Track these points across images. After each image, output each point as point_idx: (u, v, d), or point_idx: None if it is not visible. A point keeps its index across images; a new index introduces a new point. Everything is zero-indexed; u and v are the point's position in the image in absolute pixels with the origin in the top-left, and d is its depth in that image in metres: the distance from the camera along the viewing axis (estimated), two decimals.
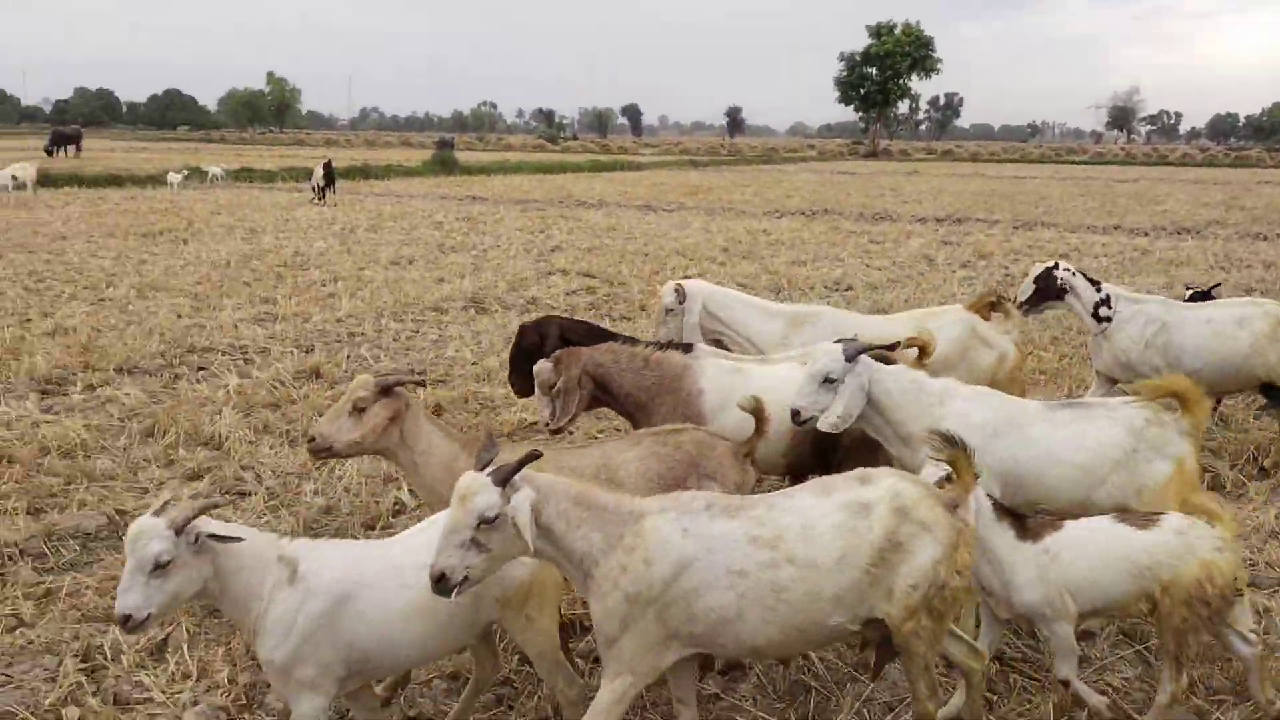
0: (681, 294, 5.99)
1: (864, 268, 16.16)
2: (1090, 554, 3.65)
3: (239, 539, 3.11)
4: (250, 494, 6.12)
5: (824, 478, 3.54)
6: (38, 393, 8.12)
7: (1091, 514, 3.94)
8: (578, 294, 13.52)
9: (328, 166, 27.22)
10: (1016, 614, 3.69)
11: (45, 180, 29.02)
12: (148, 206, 23.96)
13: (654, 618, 3.10)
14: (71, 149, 46.35)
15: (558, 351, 4.91)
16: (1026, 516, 3.79)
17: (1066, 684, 3.71)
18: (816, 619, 3.18)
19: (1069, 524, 3.77)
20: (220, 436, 7.05)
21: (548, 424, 4.86)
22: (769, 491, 3.58)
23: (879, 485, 3.29)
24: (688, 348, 5.01)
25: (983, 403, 4.38)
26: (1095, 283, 6.67)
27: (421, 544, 3.22)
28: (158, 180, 31.10)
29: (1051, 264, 6.74)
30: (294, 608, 3.12)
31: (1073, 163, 67.75)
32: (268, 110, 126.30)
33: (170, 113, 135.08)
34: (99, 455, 6.73)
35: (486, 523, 2.95)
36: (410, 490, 5.72)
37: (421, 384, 5.18)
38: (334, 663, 3.16)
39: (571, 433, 6.60)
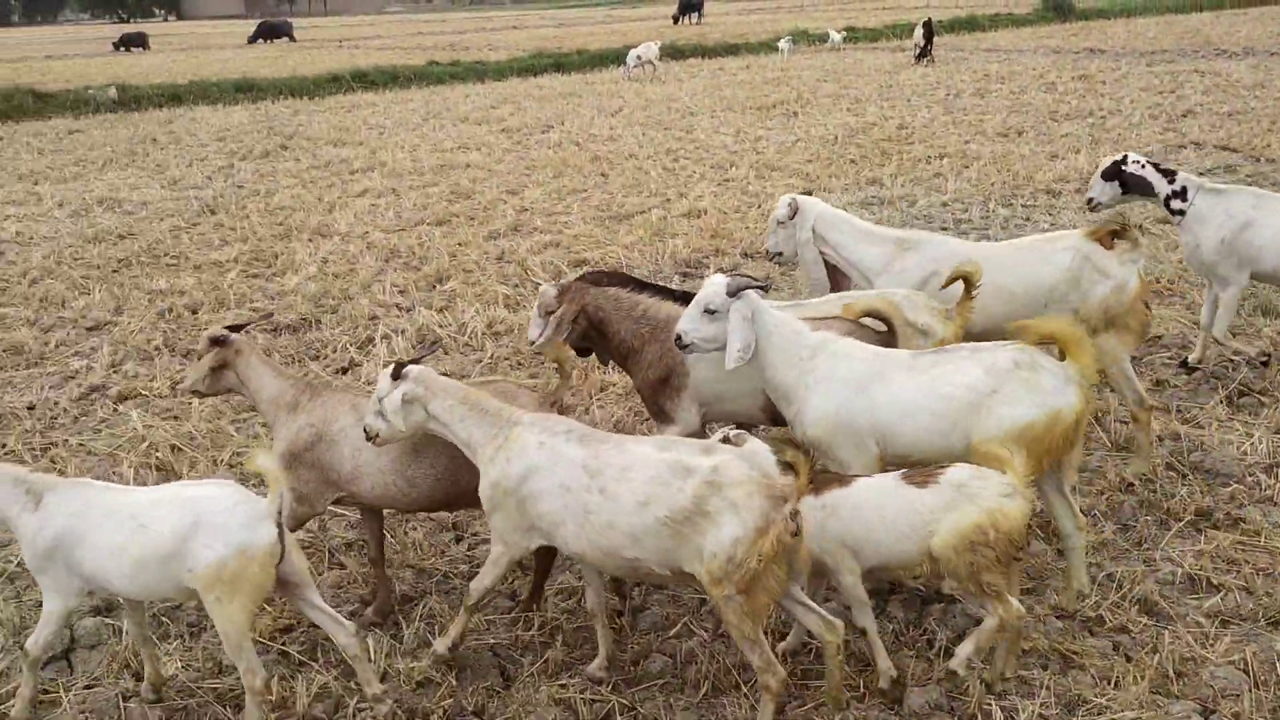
0: (794, 208, 5.72)
1: None
2: (867, 513, 3.73)
3: None
4: None
5: (681, 439, 3.88)
6: (680, 275, 9.27)
7: (957, 461, 3.86)
8: (1215, 173, 11.98)
9: (928, 25, 26.53)
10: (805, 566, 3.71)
11: (673, 52, 31.97)
12: (761, 77, 25.43)
13: (514, 507, 3.83)
14: (695, 16, 50.31)
15: (567, 284, 5.09)
16: (817, 473, 3.79)
17: (864, 632, 3.85)
18: (615, 547, 3.64)
19: (858, 482, 3.83)
20: None
21: (533, 342, 5.08)
22: None
23: (713, 458, 3.54)
24: (685, 297, 4.71)
25: (851, 357, 4.23)
26: (1169, 173, 6.36)
27: (153, 500, 3.77)
28: (770, 48, 32.71)
29: (1120, 157, 6.49)
30: (34, 531, 3.75)
31: None
32: None
33: None
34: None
35: (379, 400, 3.99)
36: None
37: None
38: (73, 578, 3.79)
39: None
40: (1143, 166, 6.36)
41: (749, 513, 3.44)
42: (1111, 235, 5.24)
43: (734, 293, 4.20)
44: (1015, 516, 3.57)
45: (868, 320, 4.73)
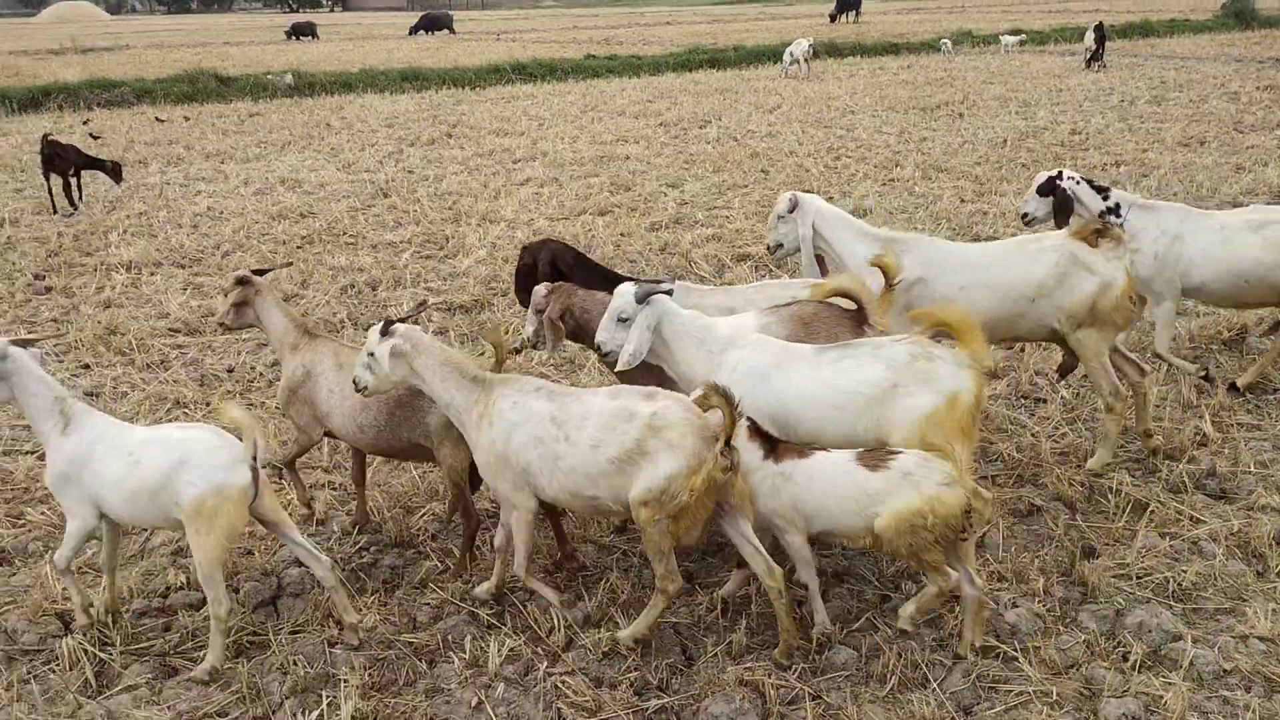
0: (794, 204, 5.84)
1: None
2: (819, 485, 3.97)
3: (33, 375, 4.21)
4: None
5: (629, 387, 4.18)
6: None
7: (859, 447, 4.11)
8: None
9: (1099, 29, 25.51)
10: (759, 522, 4.06)
11: (830, 50, 31.65)
12: (923, 77, 24.93)
13: (505, 465, 4.16)
14: (852, 14, 49.58)
15: (555, 285, 5.23)
16: (780, 441, 4.10)
17: (805, 588, 4.21)
18: (578, 488, 4.06)
19: (816, 455, 4.04)
20: None
21: (528, 339, 5.22)
22: None
23: (654, 404, 3.97)
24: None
25: (758, 350, 4.43)
26: (1103, 190, 6.36)
27: (148, 439, 4.16)
28: (931, 47, 32.02)
29: (1055, 172, 6.51)
30: (58, 451, 4.17)
31: None
32: None
33: None
34: None
35: (370, 355, 4.33)
36: None
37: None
38: (83, 500, 4.19)
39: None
40: (1078, 183, 6.40)
41: (683, 452, 3.87)
42: (1095, 234, 5.41)
43: (641, 299, 4.51)
44: (952, 503, 3.83)
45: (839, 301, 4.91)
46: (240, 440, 4.11)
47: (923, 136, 16.20)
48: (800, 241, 5.83)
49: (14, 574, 4.96)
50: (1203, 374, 6.65)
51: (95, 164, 13.07)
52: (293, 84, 25.67)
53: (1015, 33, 33.51)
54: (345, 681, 4.01)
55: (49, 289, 9.60)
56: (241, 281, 5.22)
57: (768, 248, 6.04)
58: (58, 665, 4.22)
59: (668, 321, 4.54)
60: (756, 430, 4.06)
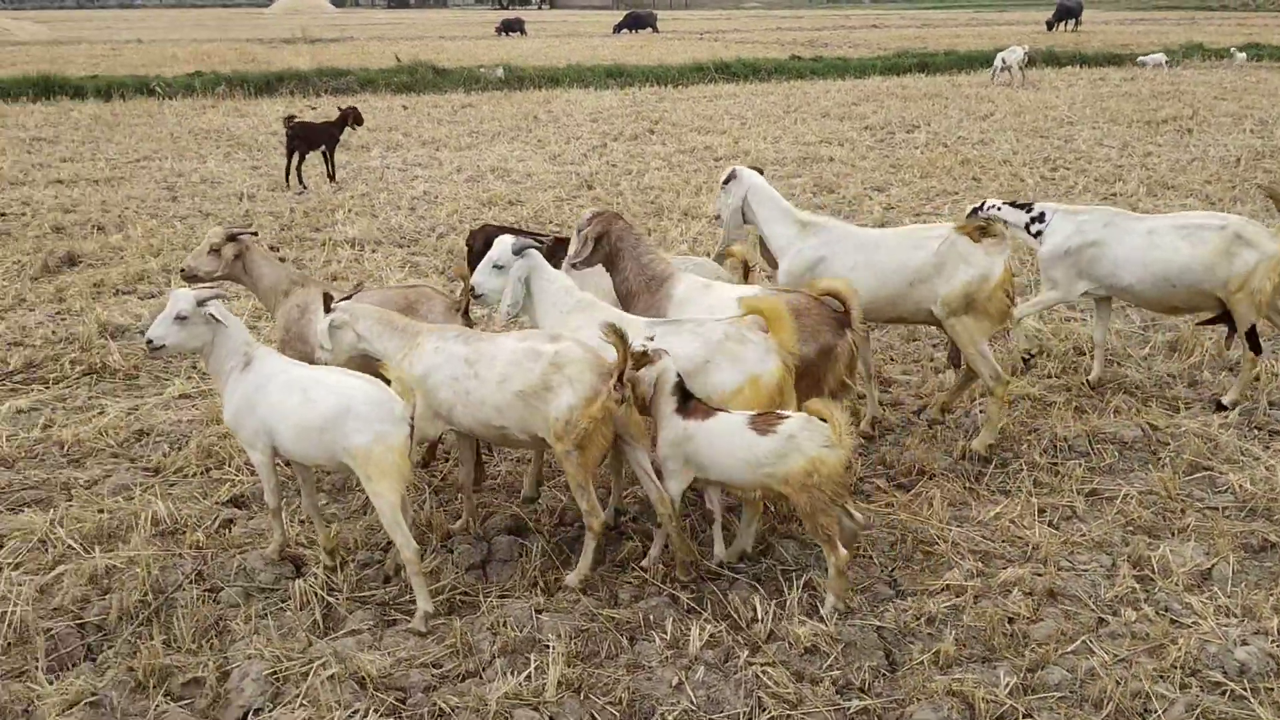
0: (731, 176, 6.18)
1: None
2: (716, 443, 4.29)
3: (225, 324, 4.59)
4: None
5: (533, 330, 4.87)
6: None
7: None
8: None
9: None
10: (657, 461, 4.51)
11: (1049, 59, 30.38)
12: (1148, 89, 23.60)
13: (424, 399, 4.63)
14: (1072, 22, 47.42)
15: (600, 210, 5.47)
16: (693, 399, 4.40)
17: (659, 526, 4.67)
18: (488, 419, 4.59)
19: (720, 415, 4.34)
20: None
21: (570, 261, 5.44)
22: None
23: (556, 345, 4.51)
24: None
25: (597, 318, 4.69)
26: (1026, 205, 6.81)
27: (320, 379, 4.51)
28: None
29: (979, 204, 7.00)
30: (238, 385, 4.58)
31: None
32: None
33: None
34: (1125, 362, 7.13)
35: (323, 332, 4.80)
36: None
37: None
38: (259, 431, 4.56)
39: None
40: (999, 209, 6.83)
41: (581, 385, 4.40)
42: (979, 230, 5.71)
43: (518, 251, 4.98)
44: (833, 464, 4.15)
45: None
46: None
47: (1147, 151, 15.35)
48: (726, 209, 6.22)
49: (251, 518, 5.35)
50: (1025, 357, 7.20)
51: (337, 127, 13.96)
52: (503, 77, 26.62)
53: (1243, 49, 31.23)
54: (551, 648, 4.14)
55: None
56: (232, 238, 5.85)
57: (715, 216, 6.42)
58: (290, 604, 4.53)
59: (535, 277, 5.03)
60: (681, 388, 4.41)
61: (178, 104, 22.44)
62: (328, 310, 4.84)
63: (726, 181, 6.20)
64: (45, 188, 13.51)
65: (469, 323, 5.53)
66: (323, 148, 13.95)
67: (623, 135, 18.00)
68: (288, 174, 13.79)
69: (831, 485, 4.17)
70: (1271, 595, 4.44)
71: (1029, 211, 6.72)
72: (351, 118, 14.02)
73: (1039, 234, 6.63)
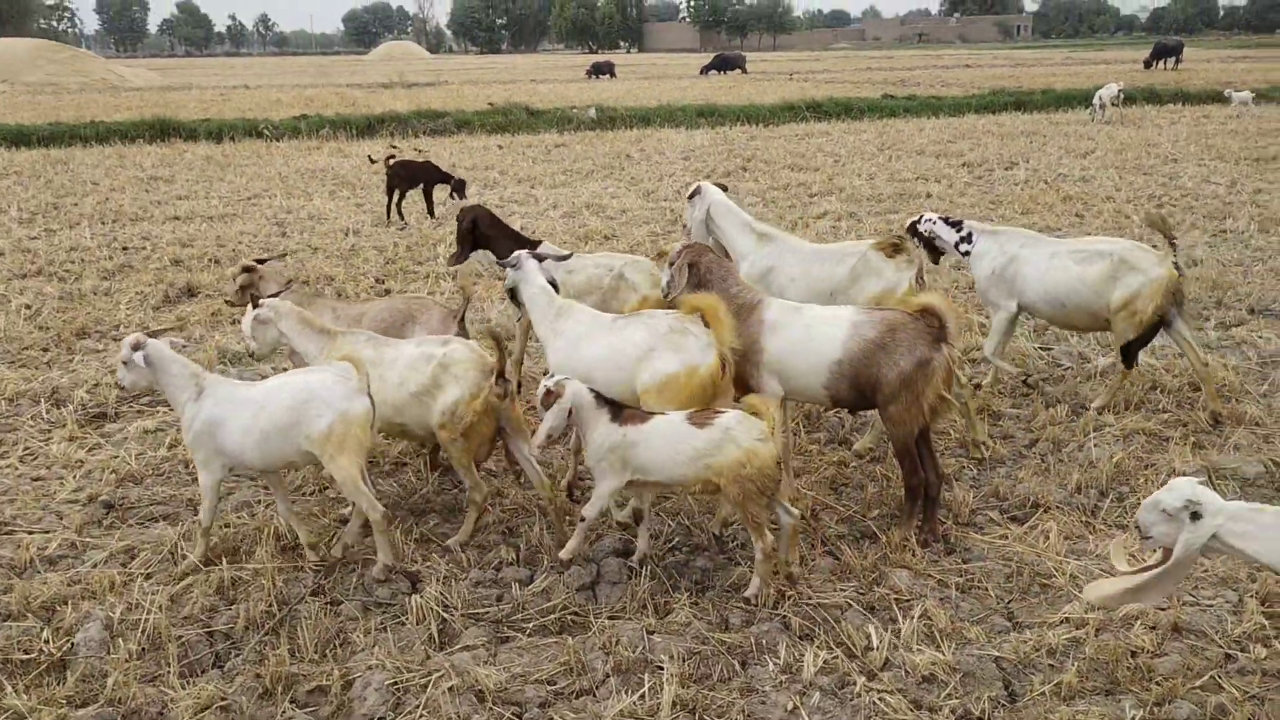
0: (695, 191, 6.90)
1: None
2: (656, 443, 4.62)
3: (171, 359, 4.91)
4: None
5: (434, 337, 5.48)
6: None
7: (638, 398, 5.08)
8: None
9: None
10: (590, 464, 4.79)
11: (1149, 96, 29.79)
12: (1255, 127, 22.96)
13: None
14: (1171, 61, 46.44)
15: (689, 243, 5.78)
16: (624, 408, 4.79)
17: (584, 519, 4.82)
18: (389, 417, 5.14)
19: (655, 418, 4.71)
20: None
21: (664, 292, 5.70)
22: None
23: (446, 348, 5.16)
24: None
25: (578, 320, 5.40)
26: (957, 223, 7.11)
27: (272, 387, 4.86)
28: (1264, 96, 29.42)
29: (916, 217, 7.30)
30: (194, 414, 4.85)
31: None
32: None
33: (1272, 14, 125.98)
34: (1243, 398, 6.92)
35: (249, 325, 5.40)
36: None
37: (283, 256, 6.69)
38: (215, 453, 4.87)
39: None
40: (934, 224, 7.15)
41: (467, 382, 5.06)
42: (893, 246, 6.29)
43: (511, 264, 5.67)
44: (765, 456, 4.45)
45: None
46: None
47: (1257, 189, 14.92)
48: (692, 221, 6.89)
49: (366, 535, 5.49)
50: (1024, 379, 7.38)
51: (443, 178, 14.42)
52: (595, 117, 27.06)
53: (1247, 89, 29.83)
54: (664, 669, 4.16)
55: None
56: (247, 269, 6.54)
57: (684, 227, 7.02)
58: (407, 619, 4.64)
59: (524, 286, 5.62)
60: (601, 398, 4.76)
61: (284, 145, 23.28)
62: (256, 305, 5.41)
63: (691, 196, 6.92)
64: (163, 224, 14.13)
65: (464, 331, 5.91)
66: (421, 185, 14.34)
67: (715, 172, 18.13)
68: (389, 210, 14.21)
69: (762, 477, 4.46)
70: None
71: (959, 230, 7.09)
72: (460, 190, 14.40)
73: (967, 253, 7.03)
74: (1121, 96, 26.03)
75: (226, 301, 6.72)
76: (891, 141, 21.92)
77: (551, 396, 4.74)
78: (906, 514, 5.25)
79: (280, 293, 6.06)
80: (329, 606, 4.75)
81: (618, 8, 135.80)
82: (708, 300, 5.11)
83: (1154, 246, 6.75)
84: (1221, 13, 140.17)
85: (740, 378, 5.30)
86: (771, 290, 6.35)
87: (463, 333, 5.91)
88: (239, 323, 9.30)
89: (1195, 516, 3.51)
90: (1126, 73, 39.29)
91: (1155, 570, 3.61)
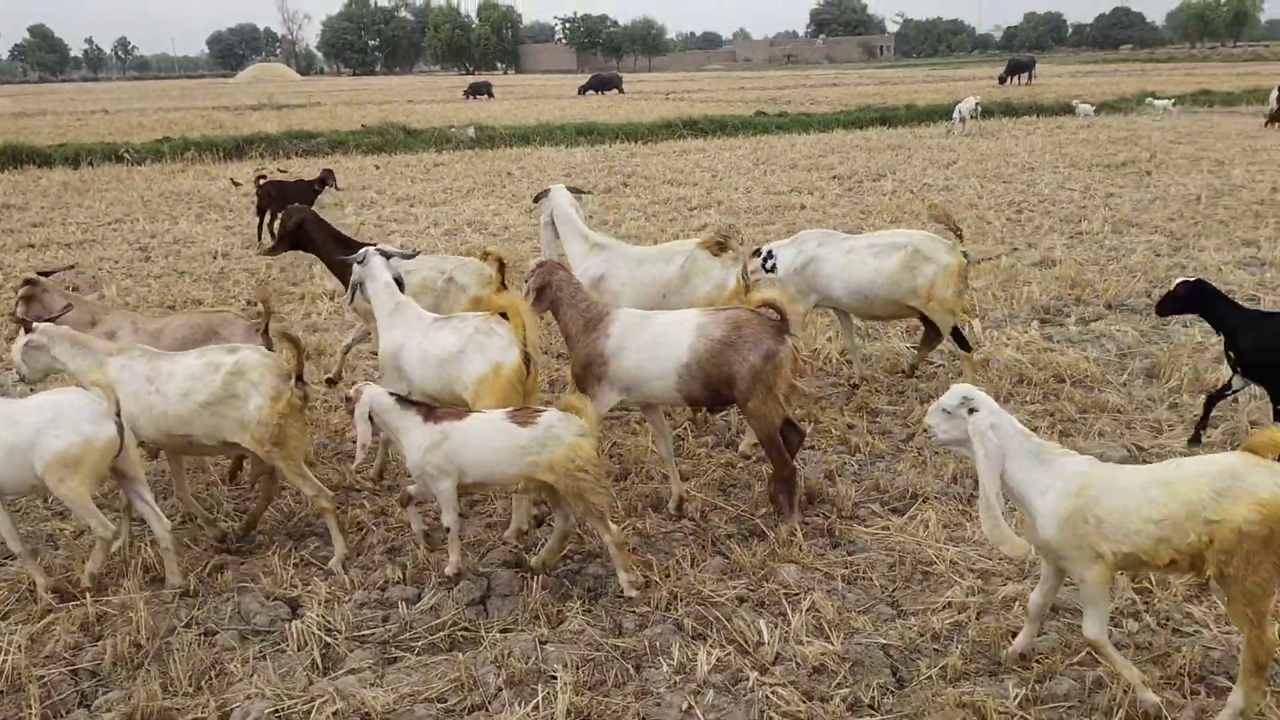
0: (542, 194, 7.13)
1: None
2: (475, 440, 4.65)
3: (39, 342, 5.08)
4: None
5: (216, 346, 5.25)
6: (1039, 320, 8.97)
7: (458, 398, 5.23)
8: None
9: None
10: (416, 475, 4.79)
11: (1005, 109, 31.15)
12: (1105, 136, 24.19)
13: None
14: (1025, 76, 48.60)
15: (543, 261, 5.78)
16: (436, 408, 4.86)
17: (448, 530, 4.85)
18: (171, 429, 5.04)
19: (473, 415, 4.76)
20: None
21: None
22: None
23: (235, 355, 5.05)
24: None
25: (406, 319, 5.55)
26: (756, 252, 7.37)
27: (25, 405, 4.66)
28: (1111, 107, 31.08)
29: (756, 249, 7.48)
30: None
31: None
32: (1221, 23, 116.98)
33: (1115, 31, 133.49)
34: (1105, 388, 7.24)
35: (19, 352, 5.15)
36: None
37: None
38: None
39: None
40: (748, 259, 7.24)
41: (265, 387, 5.00)
42: (718, 245, 6.51)
43: (358, 260, 5.74)
44: (587, 450, 4.61)
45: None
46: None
47: (1109, 193, 15.70)
48: (541, 225, 7.09)
49: (242, 563, 5.28)
50: (852, 385, 7.55)
51: (316, 194, 14.14)
52: (474, 136, 26.87)
53: (1162, 96, 32.07)
54: (558, 678, 4.10)
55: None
56: (29, 282, 6.37)
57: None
58: (287, 645, 4.47)
59: (369, 282, 5.71)
60: (404, 400, 4.87)
61: (146, 169, 22.43)
62: (28, 331, 5.18)
63: (538, 199, 7.15)
64: (16, 252, 13.43)
65: (267, 342, 5.84)
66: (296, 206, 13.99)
67: (596, 188, 18.16)
68: (260, 232, 13.81)
69: (591, 468, 4.61)
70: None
71: (758, 256, 7.37)
72: (330, 181, 14.14)
73: (773, 269, 7.26)
74: (979, 110, 27.17)
75: (13, 318, 6.39)
76: (766, 157, 22.34)
77: (350, 403, 4.83)
78: (787, 507, 5.34)
79: (64, 310, 5.99)
80: (203, 637, 4.54)
81: (493, 29, 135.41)
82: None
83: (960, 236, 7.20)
84: (1070, 30, 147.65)
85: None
86: (605, 297, 6.55)
87: (266, 344, 5.80)
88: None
89: (972, 411, 3.85)
90: (983, 88, 40.89)
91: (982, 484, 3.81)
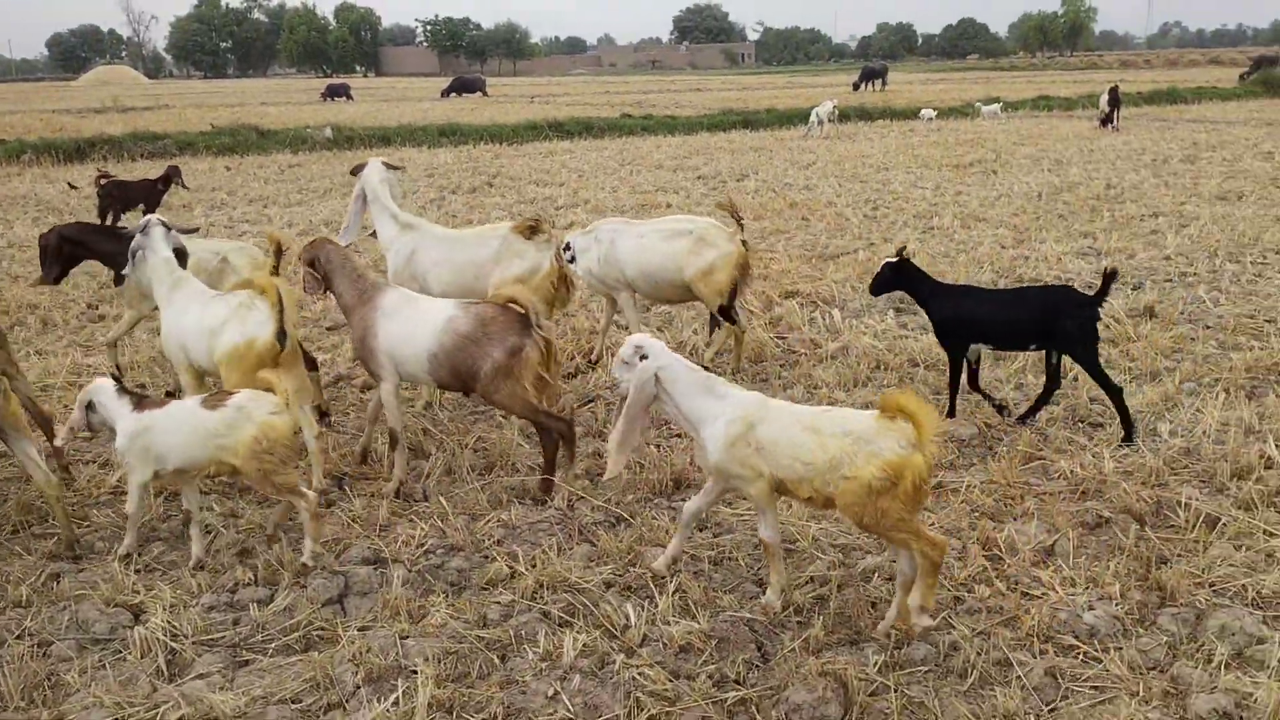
0: (358, 168, 7.12)
1: None
2: (170, 427, 4.66)
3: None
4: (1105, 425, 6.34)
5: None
6: (894, 309, 9.23)
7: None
8: None
9: (1114, 91, 27.09)
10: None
11: (861, 114, 32.16)
12: (954, 138, 25.20)
13: None
14: (878, 83, 50.19)
15: (315, 238, 5.84)
16: (145, 397, 4.90)
17: (128, 516, 4.94)
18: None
19: (172, 403, 4.82)
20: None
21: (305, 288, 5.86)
22: None
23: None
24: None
25: (186, 293, 5.68)
26: (568, 246, 7.39)
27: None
28: (959, 112, 32.38)
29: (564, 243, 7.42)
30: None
31: None
32: (1058, 33, 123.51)
33: (962, 41, 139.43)
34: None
35: None
36: None
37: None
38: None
39: None
40: (565, 248, 7.46)
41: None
42: (530, 228, 6.63)
43: (142, 230, 5.82)
44: (282, 428, 4.62)
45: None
46: None
47: (958, 190, 16.33)
48: (353, 198, 7.04)
49: (81, 570, 4.98)
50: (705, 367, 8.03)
51: (162, 193, 13.56)
52: (332, 137, 26.18)
53: (992, 101, 33.91)
54: (418, 672, 3.98)
55: (102, 317, 9.78)
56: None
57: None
58: (129, 653, 4.22)
59: (149, 254, 5.79)
60: (124, 389, 4.84)
61: None
62: None
63: (355, 172, 7.11)
64: None
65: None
66: (141, 206, 13.38)
67: (460, 189, 17.93)
68: None
69: (282, 449, 4.65)
70: (1110, 565, 4.69)
71: (569, 249, 7.51)
72: (176, 177, 13.55)
73: (573, 259, 7.45)
74: (837, 114, 27.98)
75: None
76: (631, 158, 22.46)
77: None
78: (566, 458, 5.56)
79: None
80: (37, 649, 4.25)
81: (351, 31, 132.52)
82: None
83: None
84: (920, 40, 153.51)
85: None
86: (416, 276, 6.69)
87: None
88: None
89: (644, 358, 4.33)
90: (840, 94, 42.12)
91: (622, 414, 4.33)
